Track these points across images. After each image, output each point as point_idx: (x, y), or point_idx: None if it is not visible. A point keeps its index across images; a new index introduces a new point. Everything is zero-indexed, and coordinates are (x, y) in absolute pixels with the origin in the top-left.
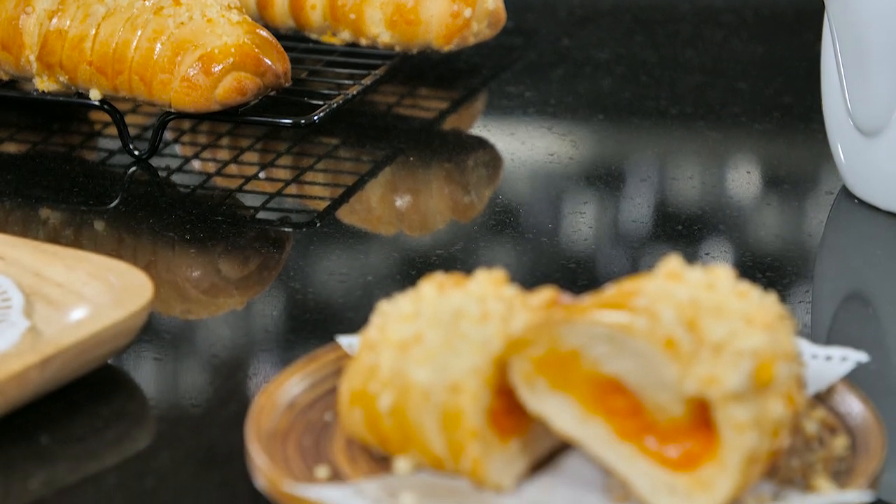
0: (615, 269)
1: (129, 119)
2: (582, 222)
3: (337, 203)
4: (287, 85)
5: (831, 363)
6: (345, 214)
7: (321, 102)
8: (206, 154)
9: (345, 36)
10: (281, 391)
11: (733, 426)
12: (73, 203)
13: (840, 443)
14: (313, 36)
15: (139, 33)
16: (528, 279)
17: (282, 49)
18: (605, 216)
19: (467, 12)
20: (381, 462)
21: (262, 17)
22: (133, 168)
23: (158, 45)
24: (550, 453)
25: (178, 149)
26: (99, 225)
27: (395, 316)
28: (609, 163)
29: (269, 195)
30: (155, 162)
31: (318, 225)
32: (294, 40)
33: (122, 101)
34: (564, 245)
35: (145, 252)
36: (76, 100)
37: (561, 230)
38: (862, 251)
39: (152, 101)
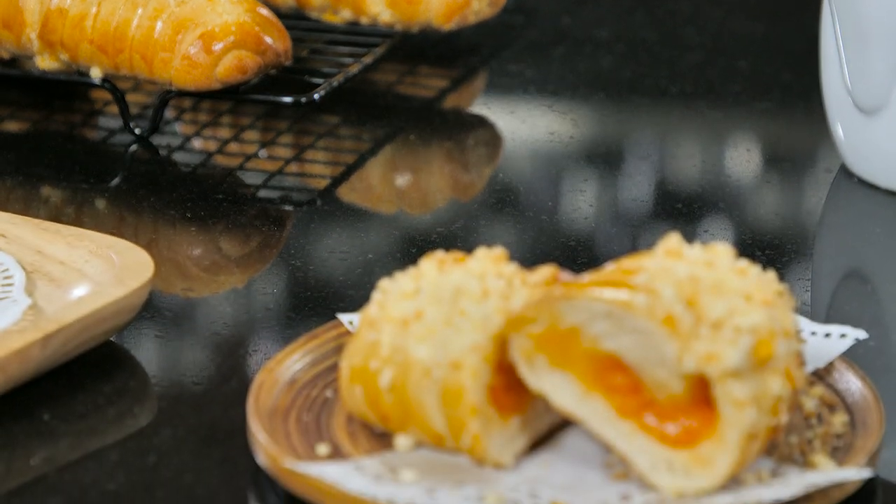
0: (615, 247)
1: (129, 97)
2: (582, 200)
3: (337, 181)
4: (288, 63)
5: (830, 340)
6: (345, 193)
7: (321, 81)
8: (206, 132)
9: (345, 14)
10: (282, 368)
11: (732, 403)
12: (75, 181)
13: (839, 420)
14: (314, 14)
15: (140, 11)
16: (528, 257)
17: (282, 27)
18: (605, 194)
19: None
20: (381, 439)
21: None
22: (134, 146)
23: (159, 24)
24: (550, 430)
25: (178, 127)
26: (100, 203)
27: (395, 293)
28: (609, 141)
29: (270, 173)
30: (156, 140)
31: (318, 203)
32: (295, 19)
33: (123, 79)
34: (564, 223)
35: (146, 230)
36: (77, 78)
37: (561, 208)
38: (861, 229)
39: (153, 79)
